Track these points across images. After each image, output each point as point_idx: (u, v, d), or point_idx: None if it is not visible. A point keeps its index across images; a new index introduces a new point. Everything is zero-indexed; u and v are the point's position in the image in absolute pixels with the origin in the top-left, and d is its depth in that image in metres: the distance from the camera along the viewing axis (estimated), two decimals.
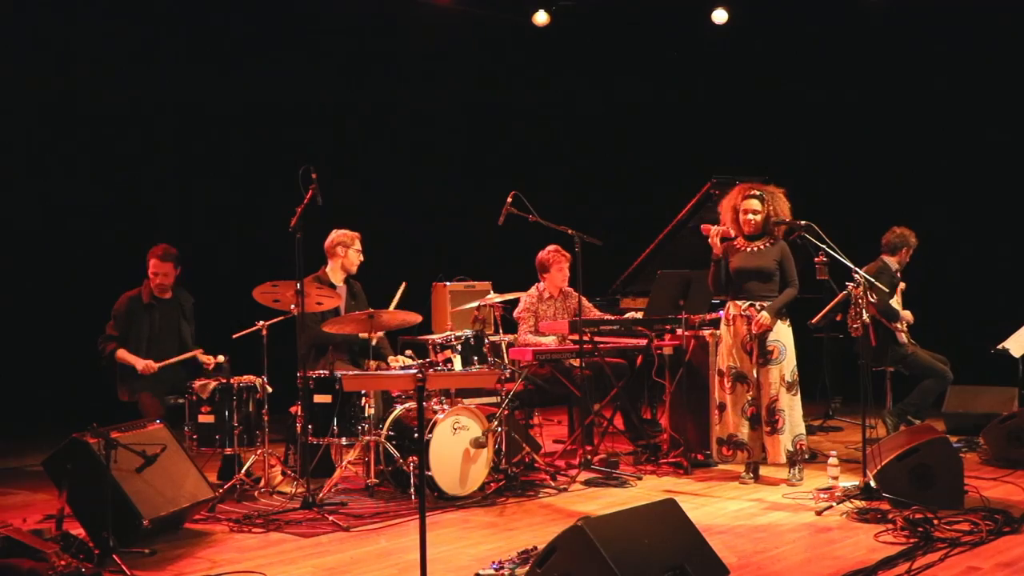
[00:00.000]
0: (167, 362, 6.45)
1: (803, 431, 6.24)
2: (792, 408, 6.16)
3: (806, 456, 6.26)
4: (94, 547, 4.64)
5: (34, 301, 8.44)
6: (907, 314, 7.66)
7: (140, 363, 6.39)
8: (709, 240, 6.27)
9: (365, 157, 9.96)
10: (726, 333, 6.27)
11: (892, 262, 7.69)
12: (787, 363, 6.16)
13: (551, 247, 7.37)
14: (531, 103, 10.94)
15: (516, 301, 7.38)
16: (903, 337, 7.61)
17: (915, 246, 7.72)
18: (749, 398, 6.19)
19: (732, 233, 6.27)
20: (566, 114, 11.15)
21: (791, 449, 6.14)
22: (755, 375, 6.16)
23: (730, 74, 10.70)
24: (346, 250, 6.74)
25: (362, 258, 6.80)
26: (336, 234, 6.74)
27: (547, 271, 7.37)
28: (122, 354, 6.44)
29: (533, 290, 7.43)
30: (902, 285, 7.75)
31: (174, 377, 6.43)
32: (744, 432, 6.20)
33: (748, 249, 6.25)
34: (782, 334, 6.18)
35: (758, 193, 6.22)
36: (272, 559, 4.80)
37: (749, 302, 6.17)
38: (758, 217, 6.19)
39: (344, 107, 9.89)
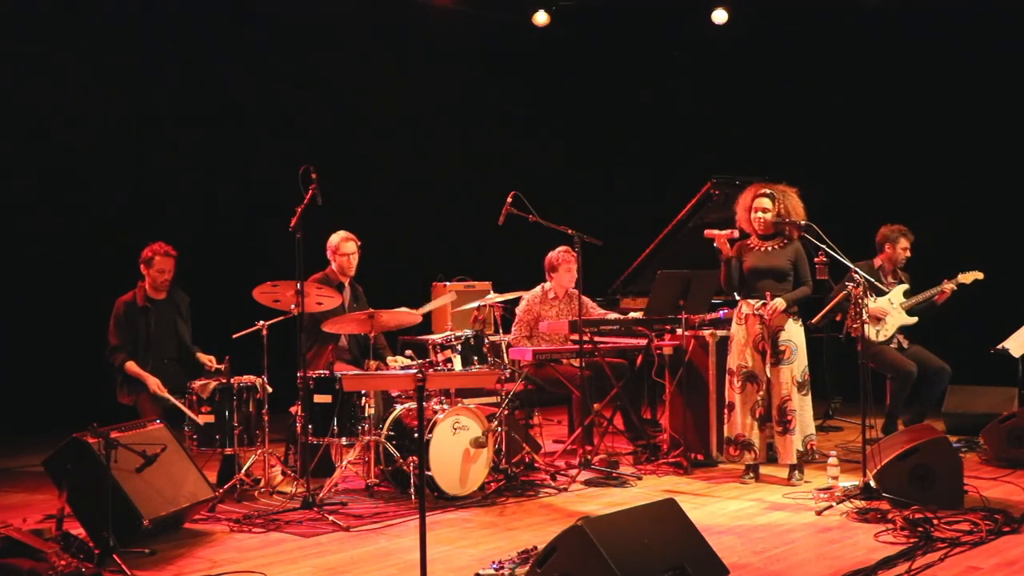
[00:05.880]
0: (171, 398, 6.22)
1: (813, 431, 6.25)
2: (803, 408, 6.16)
3: (815, 456, 6.26)
4: (94, 547, 4.64)
5: (34, 301, 8.43)
6: (878, 308, 7.44)
7: (152, 383, 6.28)
8: (716, 243, 6.28)
9: (365, 156, 9.95)
10: (738, 332, 6.26)
11: (881, 261, 7.65)
12: (798, 363, 6.16)
13: (561, 248, 7.33)
14: (531, 102, 10.93)
15: (516, 301, 7.37)
16: (872, 333, 7.37)
17: (902, 242, 7.56)
18: (759, 398, 6.19)
19: (736, 235, 6.28)
20: (566, 114, 11.13)
21: (801, 449, 6.15)
22: (767, 375, 6.16)
23: (730, 74, 10.69)
24: (336, 254, 6.74)
25: (356, 261, 6.79)
26: (332, 237, 6.75)
27: (555, 271, 7.35)
28: (133, 367, 6.34)
29: (538, 289, 7.41)
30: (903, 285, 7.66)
31: (174, 377, 6.42)
32: (752, 432, 6.20)
33: (762, 249, 6.25)
34: (794, 334, 6.18)
35: (768, 192, 6.23)
36: (272, 559, 4.80)
37: (762, 301, 6.17)
38: (768, 216, 6.19)
39: (344, 106, 9.88)
